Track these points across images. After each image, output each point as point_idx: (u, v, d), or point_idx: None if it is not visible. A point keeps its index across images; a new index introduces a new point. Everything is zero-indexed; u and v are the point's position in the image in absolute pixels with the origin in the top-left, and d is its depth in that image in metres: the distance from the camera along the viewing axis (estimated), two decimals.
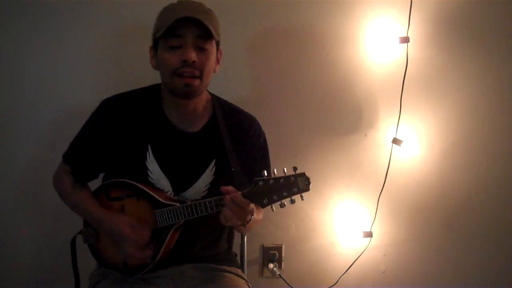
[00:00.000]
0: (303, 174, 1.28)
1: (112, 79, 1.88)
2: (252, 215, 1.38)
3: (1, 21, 1.81)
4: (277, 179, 1.29)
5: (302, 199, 1.30)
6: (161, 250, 1.47)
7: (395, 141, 1.95)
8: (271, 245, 2.07)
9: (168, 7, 1.45)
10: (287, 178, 1.28)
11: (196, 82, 1.41)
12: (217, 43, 1.48)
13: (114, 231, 1.47)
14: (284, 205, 1.30)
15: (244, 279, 1.61)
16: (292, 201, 1.30)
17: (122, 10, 1.83)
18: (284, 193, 1.28)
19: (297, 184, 1.28)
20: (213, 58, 1.45)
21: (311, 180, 1.28)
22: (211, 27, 1.39)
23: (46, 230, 1.98)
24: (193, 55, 1.38)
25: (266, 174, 1.31)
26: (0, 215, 1.94)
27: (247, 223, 1.40)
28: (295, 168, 1.29)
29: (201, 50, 1.41)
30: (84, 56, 1.86)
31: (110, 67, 1.88)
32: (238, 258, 1.74)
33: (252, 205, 1.33)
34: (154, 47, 1.46)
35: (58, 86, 1.87)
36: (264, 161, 1.60)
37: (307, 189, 1.28)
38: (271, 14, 1.90)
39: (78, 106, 1.79)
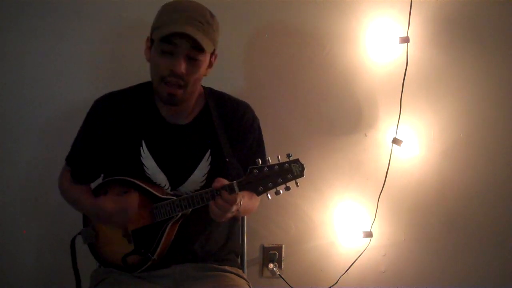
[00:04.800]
0: (297, 160, 1.29)
1: (112, 78, 1.88)
2: (239, 206, 1.38)
3: (0, 21, 1.82)
4: (271, 167, 1.30)
5: (297, 186, 1.30)
6: (160, 244, 1.47)
7: (395, 141, 1.95)
8: (271, 245, 2.07)
9: (172, 5, 1.43)
10: (281, 165, 1.29)
11: (180, 92, 1.42)
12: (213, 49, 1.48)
13: (100, 214, 1.48)
14: (280, 192, 1.30)
15: (245, 279, 1.61)
16: (287, 188, 1.30)
17: (121, 10, 1.84)
18: (279, 180, 1.29)
19: (292, 171, 1.28)
20: (203, 66, 1.44)
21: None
22: (204, 43, 1.38)
23: (46, 230, 1.98)
24: (182, 67, 1.39)
25: (260, 162, 1.31)
26: (1, 215, 1.94)
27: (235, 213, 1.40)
28: (289, 155, 1.29)
29: (192, 59, 1.41)
30: (84, 55, 1.87)
31: (110, 66, 1.89)
32: (238, 258, 1.74)
33: (239, 199, 1.34)
34: (152, 39, 1.45)
35: (58, 85, 1.88)
36: (258, 147, 1.60)
37: (302, 175, 1.28)
38: (271, 14, 1.91)
39: (78, 105, 1.78)
